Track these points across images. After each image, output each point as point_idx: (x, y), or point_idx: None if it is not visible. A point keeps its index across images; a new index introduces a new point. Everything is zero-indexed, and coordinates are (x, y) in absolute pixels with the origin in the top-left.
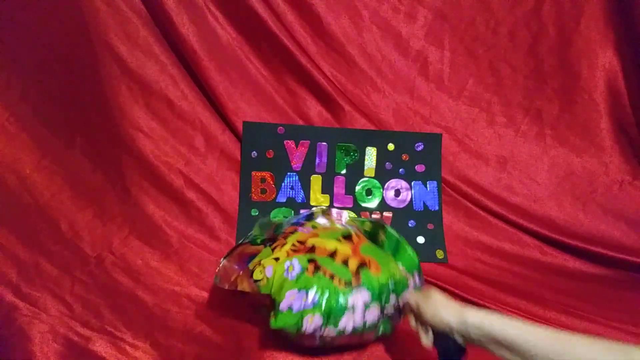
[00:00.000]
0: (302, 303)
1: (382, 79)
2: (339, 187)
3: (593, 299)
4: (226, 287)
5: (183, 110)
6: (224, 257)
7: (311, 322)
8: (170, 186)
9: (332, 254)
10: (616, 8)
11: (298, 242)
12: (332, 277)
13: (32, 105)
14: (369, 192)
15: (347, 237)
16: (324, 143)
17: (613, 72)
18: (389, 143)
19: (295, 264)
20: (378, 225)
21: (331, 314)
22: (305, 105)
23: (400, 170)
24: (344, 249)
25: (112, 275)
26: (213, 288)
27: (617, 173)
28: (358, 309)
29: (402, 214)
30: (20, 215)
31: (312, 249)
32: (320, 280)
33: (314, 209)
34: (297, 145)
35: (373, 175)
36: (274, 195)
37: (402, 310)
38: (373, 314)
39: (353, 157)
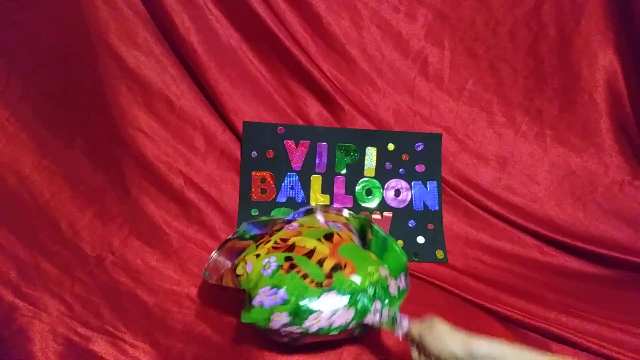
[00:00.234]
0: (272, 300)
1: (382, 79)
2: (339, 187)
3: (593, 299)
4: (213, 282)
5: (183, 110)
6: (215, 251)
7: (278, 319)
8: (170, 186)
9: (309, 253)
10: (616, 8)
11: (281, 239)
12: (304, 276)
13: (32, 105)
14: (369, 192)
15: (329, 236)
16: (324, 143)
17: (613, 72)
18: (389, 143)
19: (272, 261)
20: (364, 223)
21: (297, 313)
22: (305, 105)
23: (400, 170)
24: (323, 248)
25: (112, 275)
26: (213, 288)
27: (617, 173)
28: (325, 312)
29: (402, 214)
30: (20, 215)
31: (291, 247)
32: (292, 279)
33: (312, 205)
34: (297, 145)
35: (373, 175)
36: (274, 195)
37: (382, 321)
38: (341, 318)
39: (353, 157)
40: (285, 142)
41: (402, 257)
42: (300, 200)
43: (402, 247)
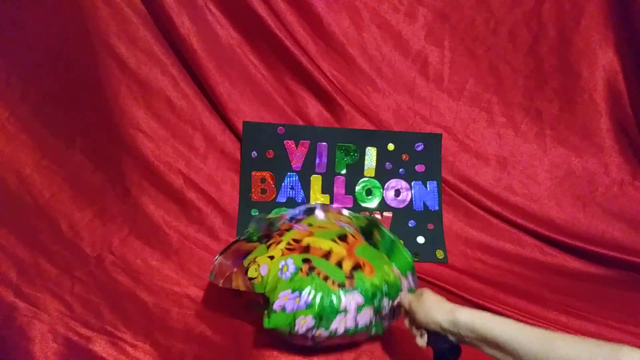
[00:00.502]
0: (295, 304)
1: (382, 79)
2: (339, 187)
3: (593, 299)
4: (220, 284)
5: (183, 110)
6: (220, 254)
7: (303, 324)
8: (170, 186)
9: (327, 255)
10: (616, 8)
11: (293, 240)
12: (325, 278)
13: (32, 105)
14: (369, 192)
15: (343, 237)
16: (324, 143)
17: (613, 72)
18: (389, 143)
19: (290, 264)
20: (372, 224)
21: (323, 316)
22: (305, 105)
23: (400, 170)
24: (339, 249)
25: (112, 275)
26: (213, 288)
27: (617, 173)
28: (350, 311)
29: (402, 214)
30: (20, 215)
31: (307, 249)
32: (313, 281)
33: (312, 203)
34: (297, 145)
35: (373, 175)
36: (274, 195)
37: (395, 312)
38: (365, 316)
39: (353, 157)
40: (285, 142)
41: (408, 257)
42: (300, 200)
43: None
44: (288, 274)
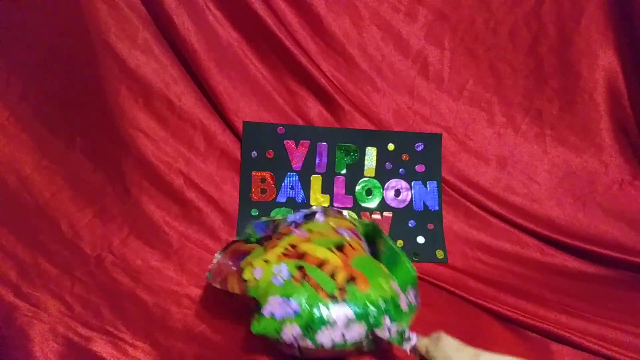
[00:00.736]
0: (283, 311)
1: (382, 79)
2: (339, 187)
3: (593, 299)
4: (217, 284)
5: (183, 110)
6: (219, 252)
7: (290, 331)
8: (170, 186)
9: (322, 264)
10: (616, 8)
11: (290, 245)
12: (317, 287)
13: (32, 105)
14: (369, 192)
15: (340, 247)
16: (324, 143)
17: (613, 72)
18: (389, 143)
19: (284, 270)
20: (376, 232)
21: (310, 326)
22: (305, 105)
23: (400, 170)
24: (334, 260)
25: (112, 275)
26: (213, 288)
27: (617, 173)
28: (338, 324)
29: (402, 214)
30: (20, 215)
31: (302, 256)
32: (304, 289)
33: (314, 207)
34: (297, 145)
35: (373, 175)
36: (274, 195)
37: (392, 337)
38: (354, 332)
39: (353, 157)
40: (285, 142)
41: (411, 271)
42: (300, 201)
43: (402, 247)
44: (280, 280)
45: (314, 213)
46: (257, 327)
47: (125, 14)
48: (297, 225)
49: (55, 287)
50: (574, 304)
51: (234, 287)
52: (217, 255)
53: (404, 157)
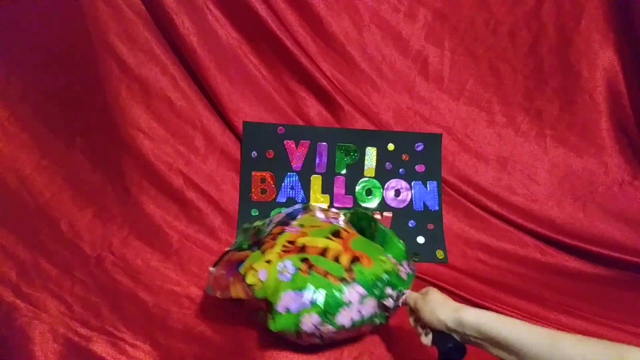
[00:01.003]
0: (299, 303)
1: (382, 79)
2: (339, 187)
3: (593, 299)
4: (218, 295)
5: (183, 110)
6: (212, 266)
7: (309, 321)
8: (170, 186)
9: (323, 252)
10: (616, 8)
11: (288, 242)
12: (326, 274)
13: (32, 105)
14: (369, 192)
15: (336, 233)
16: (324, 143)
17: (613, 72)
18: (389, 143)
19: (289, 265)
20: (369, 217)
21: (328, 311)
22: (305, 105)
23: (400, 170)
24: (335, 245)
25: (112, 275)
26: None
27: (617, 173)
28: (354, 303)
29: (402, 214)
30: (20, 215)
31: (303, 249)
32: (314, 278)
33: (295, 206)
34: (297, 145)
35: (373, 175)
36: (274, 195)
37: (397, 302)
38: (369, 307)
39: (353, 157)
40: (285, 142)
41: (401, 246)
42: (300, 200)
43: None
44: (288, 275)
45: (295, 211)
46: (275, 325)
47: (125, 14)
48: (286, 223)
49: (55, 287)
50: (574, 304)
51: (238, 293)
52: (212, 269)
53: (404, 157)
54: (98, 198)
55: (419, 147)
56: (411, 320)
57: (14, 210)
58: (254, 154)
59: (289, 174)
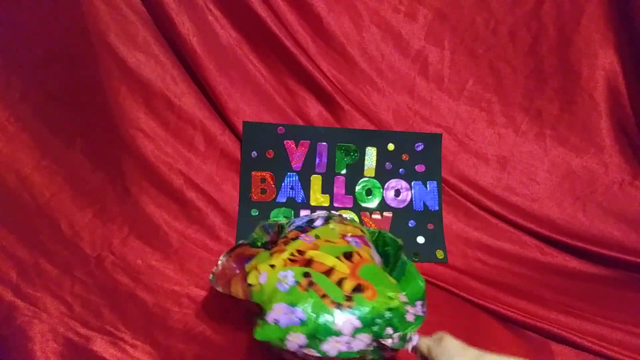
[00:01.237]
0: (289, 319)
1: (382, 79)
2: (339, 187)
3: (593, 299)
4: (219, 288)
5: (183, 110)
6: (224, 255)
7: (295, 340)
8: (170, 186)
9: (329, 272)
10: (616, 8)
11: (297, 251)
12: (323, 296)
13: (32, 105)
14: (369, 192)
15: (348, 255)
16: (324, 143)
17: (613, 72)
18: (389, 143)
19: (290, 276)
20: (397, 245)
21: (316, 335)
22: (305, 105)
23: (400, 170)
24: (342, 268)
25: (112, 275)
26: (213, 288)
27: (617, 173)
28: (345, 334)
29: (402, 214)
30: (20, 215)
31: (309, 262)
32: (310, 297)
33: (318, 212)
34: (297, 145)
35: (373, 175)
36: (274, 195)
37: (400, 344)
38: (361, 341)
39: (353, 157)
40: (285, 142)
41: (421, 284)
42: (300, 200)
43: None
44: (286, 286)
45: (316, 219)
46: (260, 333)
47: (125, 14)
48: (303, 230)
49: (55, 287)
50: (574, 304)
51: (237, 291)
52: (222, 258)
53: (404, 157)
54: (98, 198)
55: (419, 147)
56: None
57: (14, 210)
58: (254, 154)
59: (289, 174)
